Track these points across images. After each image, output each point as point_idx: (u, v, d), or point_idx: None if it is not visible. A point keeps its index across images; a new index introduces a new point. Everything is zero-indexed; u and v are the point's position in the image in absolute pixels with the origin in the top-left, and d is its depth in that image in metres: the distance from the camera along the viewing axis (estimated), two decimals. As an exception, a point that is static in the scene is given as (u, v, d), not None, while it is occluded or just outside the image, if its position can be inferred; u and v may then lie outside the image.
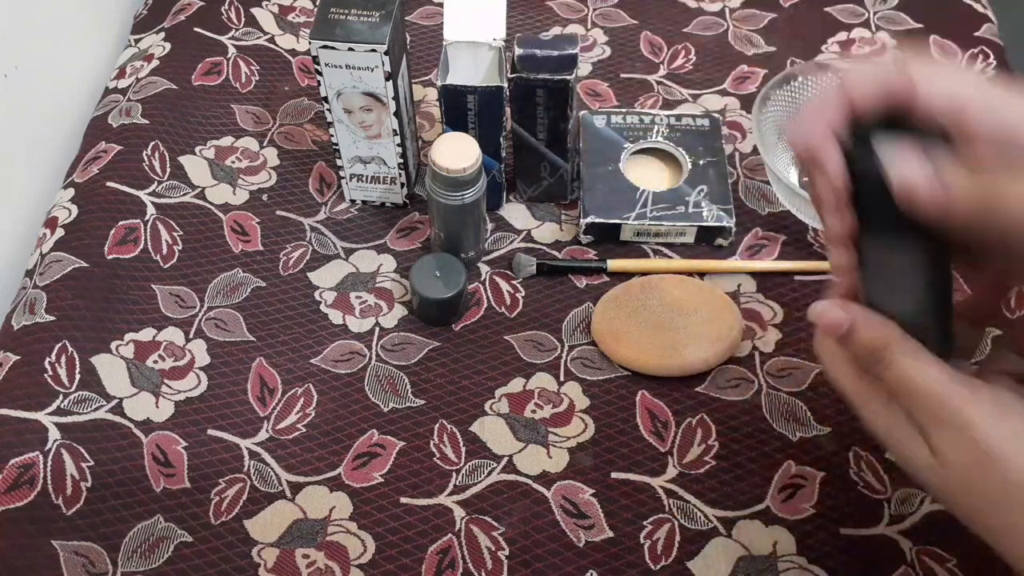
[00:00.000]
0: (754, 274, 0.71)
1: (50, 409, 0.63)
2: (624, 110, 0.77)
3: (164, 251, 0.72)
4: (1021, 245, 0.36)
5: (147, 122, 0.79)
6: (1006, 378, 0.41)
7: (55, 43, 0.81)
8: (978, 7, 0.90)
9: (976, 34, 0.88)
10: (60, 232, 0.72)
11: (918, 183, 0.37)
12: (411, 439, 0.63)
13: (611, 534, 0.58)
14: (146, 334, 0.67)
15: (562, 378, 0.66)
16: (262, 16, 0.89)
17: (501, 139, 0.69)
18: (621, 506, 0.60)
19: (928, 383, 0.38)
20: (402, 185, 0.73)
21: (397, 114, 0.67)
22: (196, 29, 0.87)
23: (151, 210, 0.74)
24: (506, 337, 0.68)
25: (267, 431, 0.63)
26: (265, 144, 0.79)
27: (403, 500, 0.60)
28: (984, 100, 0.38)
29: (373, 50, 0.62)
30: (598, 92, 0.83)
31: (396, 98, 0.66)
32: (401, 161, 0.71)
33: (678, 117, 0.77)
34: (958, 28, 0.88)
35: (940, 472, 0.38)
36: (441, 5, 0.77)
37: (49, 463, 0.60)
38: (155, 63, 0.84)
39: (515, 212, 0.75)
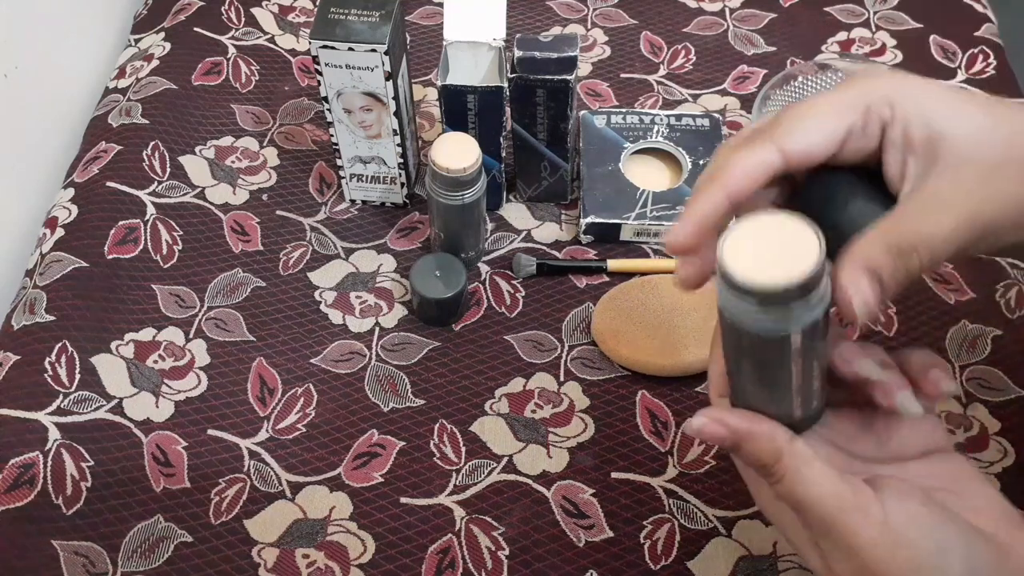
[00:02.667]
0: (754, 274, 0.71)
1: (50, 409, 0.63)
2: (624, 110, 0.77)
3: (164, 251, 0.72)
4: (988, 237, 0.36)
5: (147, 122, 0.79)
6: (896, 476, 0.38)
7: (55, 43, 0.81)
8: (978, 7, 0.90)
9: (976, 34, 0.88)
10: (60, 232, 0.72)
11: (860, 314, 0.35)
12: (411, 439, 0.63)
13: (611, 534, 0.58)
14: (146, 334, 0.67)
15: (562, 378, 0.66)
16: (262, 16, 0.89)
17: (501, 139, 0.69)
18: (621, 506, 0.60)
19: (818, 501, 0.36)
20: (402, 185, 0.73)
21: (397, 114, 0.67)
22: (196, 29, 0.87)
23: (151, 210, 0.74)
24: (506, 337, 0.68)
25: (267, 431, 0.63)
26: (265, 144, 0.79)
27: (403, 500, 0.60)
28: (860, 118, 0.37)
29: (373, 50, 0.62)
30: (598, 92, 0.83)
31: (396, 98, 0.66)
32: (401, 161, 0.71)
33: (678, 117, 0.77)
34: (958, 28, 0.88)
35: None
36: (441, 5, 0.77)
37: (49, 463, 0.60)
38: (155, 63, 0.84)
39: (515, 212, 0.75)
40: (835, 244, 0.36)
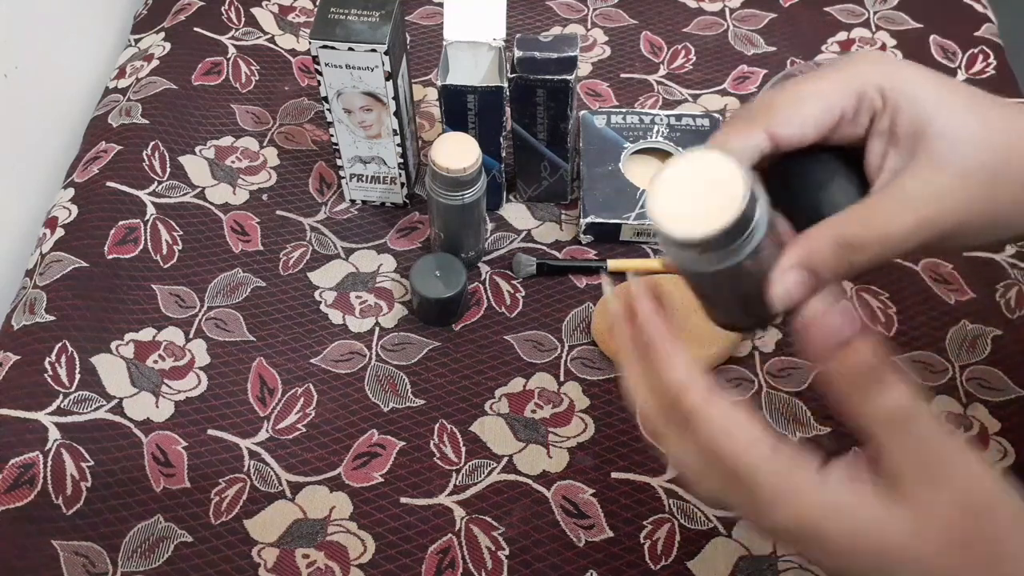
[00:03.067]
0: (754, 274, 0.71)
1: (50, 409, 0.63)
2: (624, 110, 0.77)
3: (164, 251, 0.72)
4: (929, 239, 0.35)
5: (147, 122, 0.79)
6: None
7: (55, 43, 0.81)
8: (978, 7, 0.90)
9: (976, 34, 0.88)
10: (60, 232, 0.72)
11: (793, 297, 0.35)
12: (411, 439, 0.63)
13: (611, 534, 0.58)
14: (146, 334, 0.67)
15: (562, 378, 0.66)
16: (262, 16, 0.89)
17: (501, 139, 0.69)
18: (621, 506, 0.60)
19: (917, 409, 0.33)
20: (402, 185, 0.73)
21: (397, 114, 0.67)
22: (196, 29, 0.87)
23: (151, 210, 0.74)
24: (506, 337, 0.68)
25: (267, 431, 0.63)
26: (265, 144, 0.79)
27: (403, 500, 0.60)
28: (852, 102, 0.36)
29: (373, 50, 0.62)
30: (598, 92, 0.83)
31: (396, 98, 0.66)
32: (401, 161, 0.71)
33: (678, 117, 0.77)
34: (958, 28, 0.88)
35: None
36: (441, 5, 0.77)
37: (49, 463, 0.60)
38: (155, 63, 0.84)
39: (515, 212, 0.75)
40: (807, 222, 0.36)
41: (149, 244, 0.72)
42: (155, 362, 0.66)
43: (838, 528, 0.32)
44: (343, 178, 0.73)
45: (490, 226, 0.74)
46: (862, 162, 0.38)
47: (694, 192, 0.33)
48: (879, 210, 0.35)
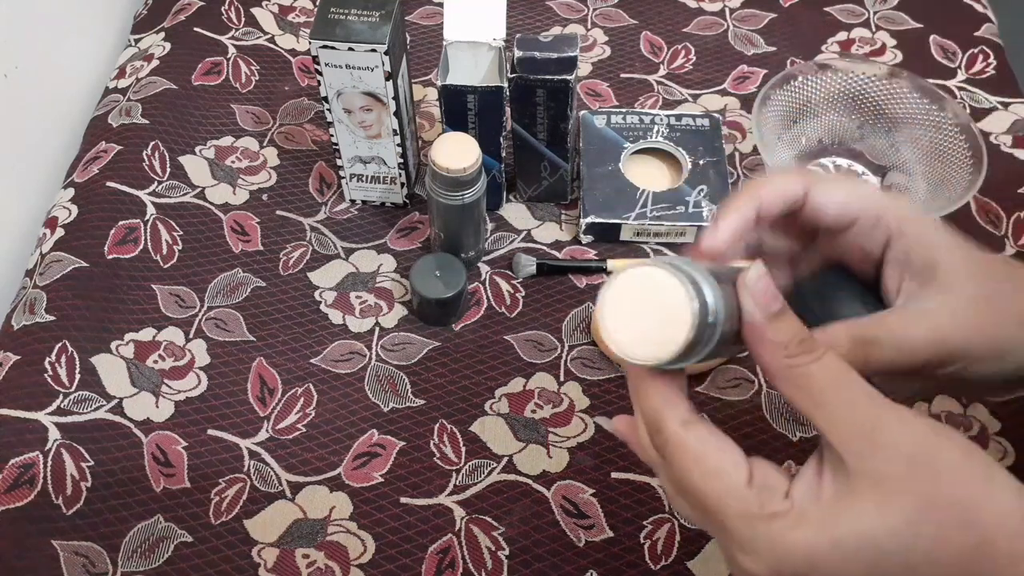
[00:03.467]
0: (754, 274, 0.71)
1: (50, 409, 0.63)
2: (624, 110, 0.77)
3: (164, 251, 0.72)
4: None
5: (147, 122, 0.79)
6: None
7: (55, 43, 0.81)
8: (978, 7, 0.90)
9: (976, 34, 0.88)
10: (60, 232, 0.72)
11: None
12: (411, 439, 0.63)
13: (611, 534, 0.58)
14: (146, 334, 0.67)
15: (562, 378, 0.66)
16: (262, 16, 0.89)
17: (501, 139, 0.69)
18: (621, 506, 0.60)
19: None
20: (402, 185, 0.73)
21: (397, 114, 0.67)
22: (196, 29, 0.87)
23: (151, 210, 0.74)
24: (506, 337, 0.68)
25: (267, 431, 0.63)
26: (265, 144, 0.79)
27: (403, 500, 0.60)
28: (873, 212, 0.39)
29: (373, 50, 0.62)
30: (598, 92, 0.83)
31: (396, 98, 0.66)
32: (401, 161, 0.71)
33: (678, 117, 0.77)
34: (958, 28, 0.88)
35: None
36: (441, 5, 0.77)
37: (49, 463, 0.60)
38: (155, 63, 0.84)
39: (515, 212, 0.75)
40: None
41: (149, 244, 0.72)
42: (155, 362, 0.66)
43: (819, 548, 0.31)
44: (343, 178, 0.73)
45: (490, 226, 0.74)
46: (877, 291, 0.41)
47: (644, 310, 0.32)
48: (897, 318, 0.38)
